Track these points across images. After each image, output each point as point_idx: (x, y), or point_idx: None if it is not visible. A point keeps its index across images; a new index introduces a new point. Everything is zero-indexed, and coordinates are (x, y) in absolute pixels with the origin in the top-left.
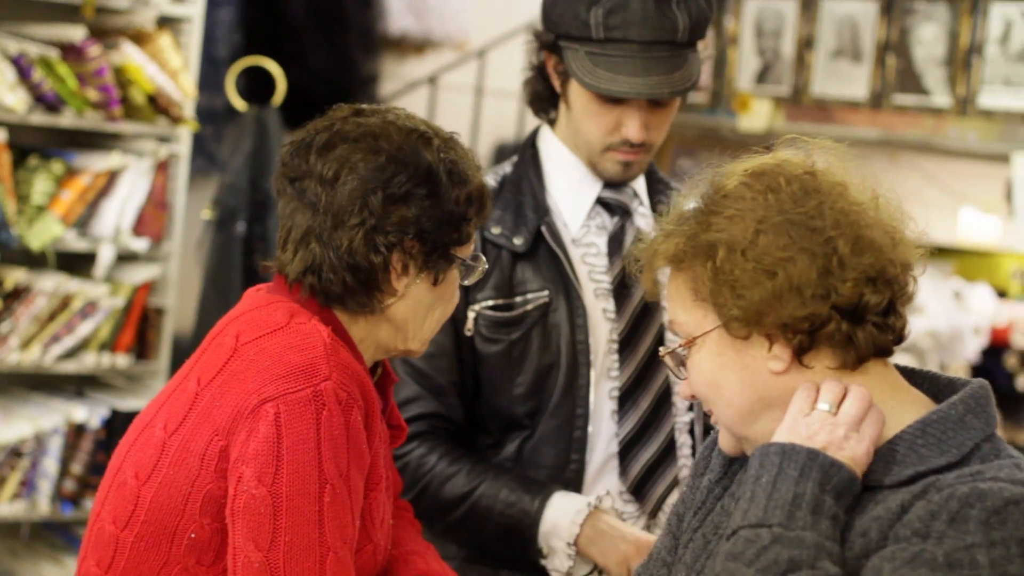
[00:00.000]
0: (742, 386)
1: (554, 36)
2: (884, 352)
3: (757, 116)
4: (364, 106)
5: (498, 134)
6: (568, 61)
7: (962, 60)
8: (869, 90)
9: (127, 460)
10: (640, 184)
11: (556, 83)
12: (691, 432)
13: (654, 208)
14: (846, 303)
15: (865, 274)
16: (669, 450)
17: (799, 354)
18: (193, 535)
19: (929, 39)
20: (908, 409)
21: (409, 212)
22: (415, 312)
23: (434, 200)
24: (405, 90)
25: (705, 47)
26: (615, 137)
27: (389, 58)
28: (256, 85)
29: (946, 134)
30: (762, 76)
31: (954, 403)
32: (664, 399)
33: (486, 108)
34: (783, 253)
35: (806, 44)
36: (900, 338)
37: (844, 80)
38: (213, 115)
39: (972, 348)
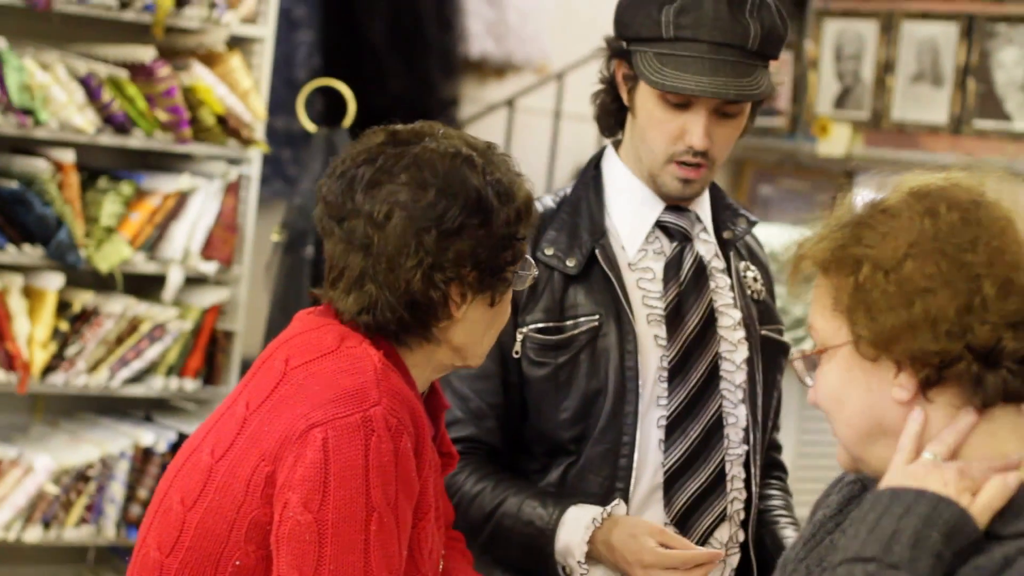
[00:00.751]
0: (863, 407)
1: (625, 41)
2: (1016, 398)
3: (836, 141)
4: (399, 128)
5: (576, 158)
6: (636, 63)
7: None
8: (949, 115)
9: (174, 485)
10: (704, 209)
11: (624, 92)
12: (746, 465)
13: (719, 234)
14: (981, 345)
15: (1007, 319)
16: (718, 482)
17: (924, 387)
18: (238, 562)
19: (1010, 63)
20: None
21: (465, 245)
22: (473, 333)
23: (487, 227)
24: (483, 113)
25: (777, 70)
26: (679, 145)
27: (469, 81)
28: (335, 108)
29: None
30: (841, 100)
31: None
32: (715, 430)
33: (564, 131)
34: (926, 283)
35: (886, 68)
36: None
37: (924, 104)
38: (292, 138)
39: None
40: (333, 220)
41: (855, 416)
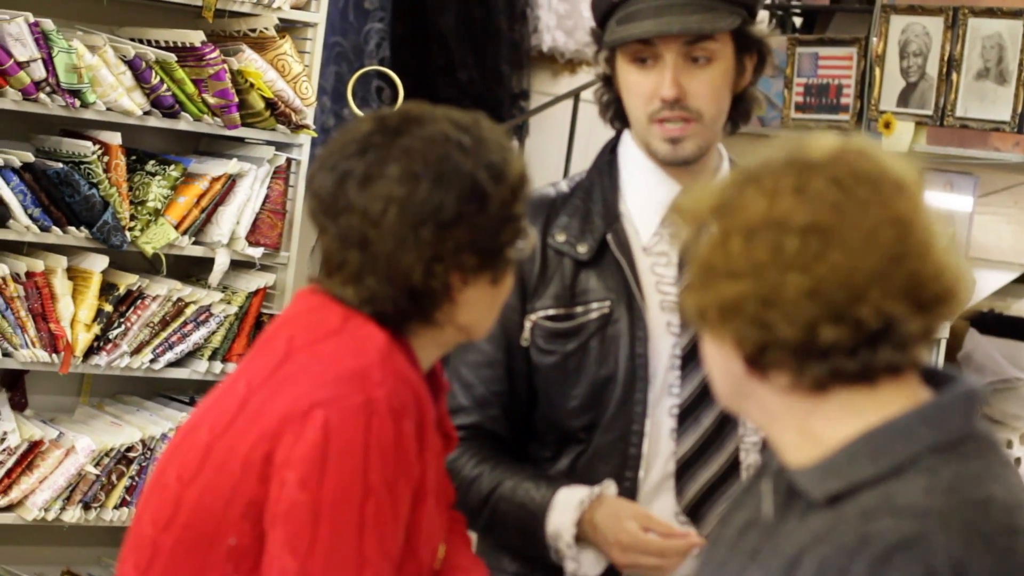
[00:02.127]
0: (719, 373)
1: (599, 24)
2: (857, 379)
3: (900, 138)
4: (386, 114)
5: None
6: (604, 38)
7: None
8: (1012, 112)
9: (171, 462)
10: None
11: (612, 74)
12: (762, 451)
13: None
14: (788, 341)
15: (820, 316)
16: (732, 471)
17: (750, 366)
18: (233, 541)
19: None
20: None
21: (463, 233)
22: (477, 312)
23: (484, 212)
24: (548, 104)
25: (767, 30)
26: (654, 103)
27: (540, 74)
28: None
29: None
30: (905, 97)
31: (912, 411)
32: (729, 418)
33: None
34: (738, 265)
35: (951, 64)
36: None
37: (988, 102)
38: None
39: None
40: (327, 216)
41: (717, 380)
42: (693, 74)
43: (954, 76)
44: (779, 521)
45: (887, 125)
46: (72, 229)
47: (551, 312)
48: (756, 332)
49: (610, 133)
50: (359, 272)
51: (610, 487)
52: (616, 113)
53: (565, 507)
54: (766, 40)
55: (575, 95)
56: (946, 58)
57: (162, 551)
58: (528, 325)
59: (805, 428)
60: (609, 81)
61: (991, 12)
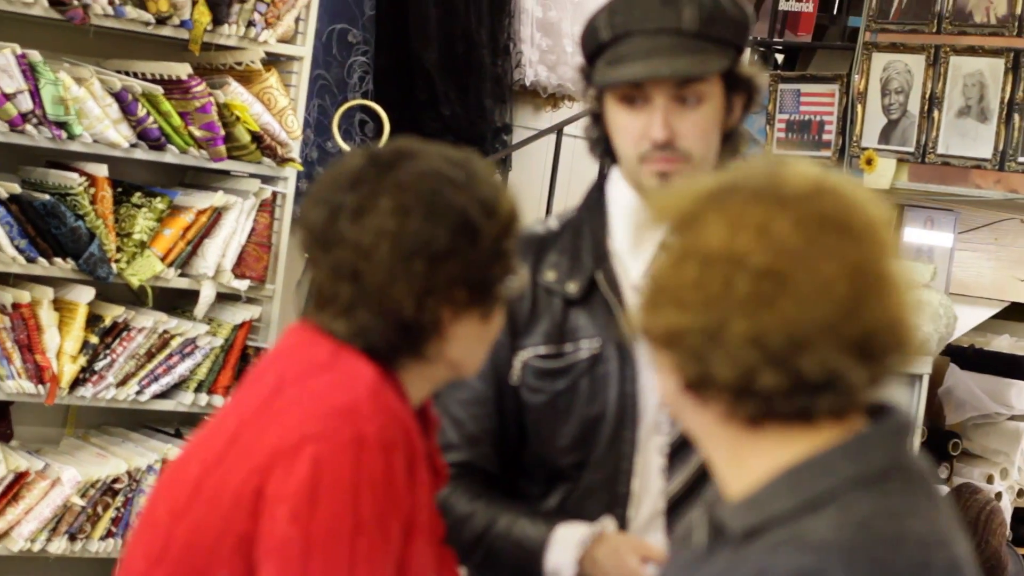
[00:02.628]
0: (663, 389)
1: (588, 63)
2: (793, 418)
3: (881, 174)
4: (377, 148)
5: None
6: (594, 77)
7: None
8: (994, 150)
9: (161, 497)
10: None
11: (601, 113)
12: None
13: None
14: (725, 380)
15: (761, 360)
16: None
17: (688, 390)
18: (224, 575)
19: None
20: None
21: (454, 267)
22: (467, 348)
23: (475, 247)
24: (531, 139)
25: (749, 61)
26: (643, 144)
27: (522, 108)
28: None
29: None
30: (887, 134)
31: (835, 445)
32: None
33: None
34: (684, 294)
35: (932, 102)
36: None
37: (969, 139)
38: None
39: None
40: (319, 249)
41: (659, 387)
42: (683, 115)
43: (935, 113)
44: (708, 553)
45: (869, 162)
46: (58, 260)
47: (541, 351)
48: (694, 365)
49: (592, 168)
50: (350, 305)
51: (609, 524)
52: (605, 150)
53: (565, 545)
54: (754, 79)
55: (558, 130)
56: (928, 96)
57: None
58: (518, 364)
59: (737, 458)
60: (597, 117)
61: (972, 50)
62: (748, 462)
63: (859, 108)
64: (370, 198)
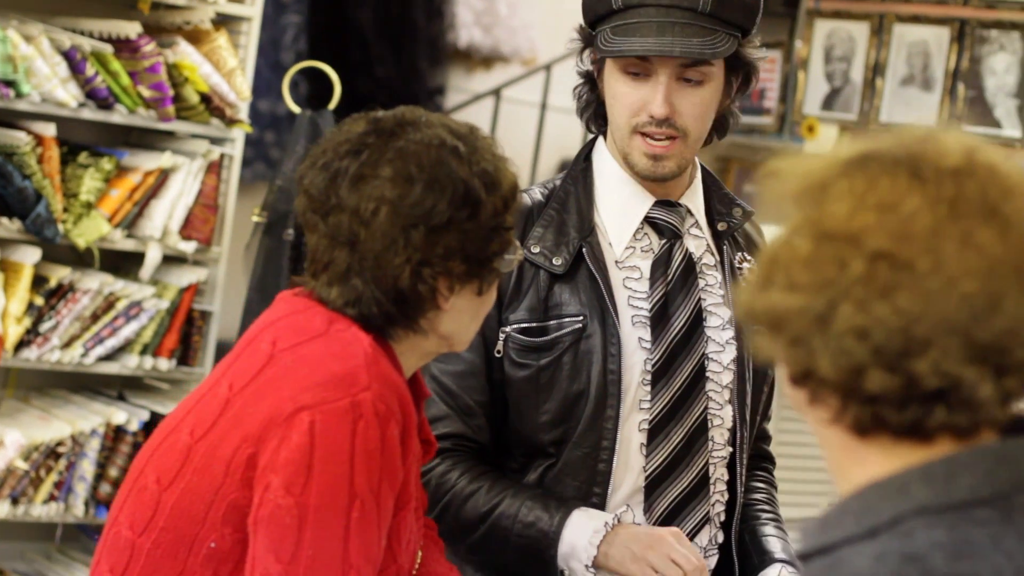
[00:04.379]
0: (785, 387)
1: (590, 26)
2: (903, 432)
3: (823, 142)
4: (381, 115)
5: (562, 150)
6: (597, 43)
7: None
8: (938, 119)
9: (150, 464)
10: (696, 201)
11: (597, 77)
12: (731, 466)
13: (714, 227)
14: (827, 376)
15: (871, 358)
16: (701, 486)
17: (796, 386)
18: (213, 544)
19: (1001, 69)
20: None
21: (453, 239)
22: (461, 322)
23: (475, 219)
24: (469, 102)
25: (756, 45)
26: (641, 116)
27: (456, 70)
28: (320, 91)
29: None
30: (830, 101)
31: (916, 466)
32: (699, 433)
33: (550, 123)
34: (798, 275)
35: (876, 70)
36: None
37: (913, 108)
38: (276, 120)
39: None
40: (317, 214)
41: (781, 384)
42: (684, 94)
43: (879, 82)
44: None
45: (811, 129)
46: (4, 220)
47: (524, 325)
48: (800, 356)
49: (530, 132)
50: (346, 272)
51: (627, 514)
52: (595, 115)
53: (582, 529)
54: (755, 64)
55: (496, 93)
56: (871, 64)
57: (140, 554)
58: (502, 336)
59: (843, 466)
60: (593, 83)
61: (917, 19)
62: (851, 472)
63: (801, 75)
64: (371, 165)
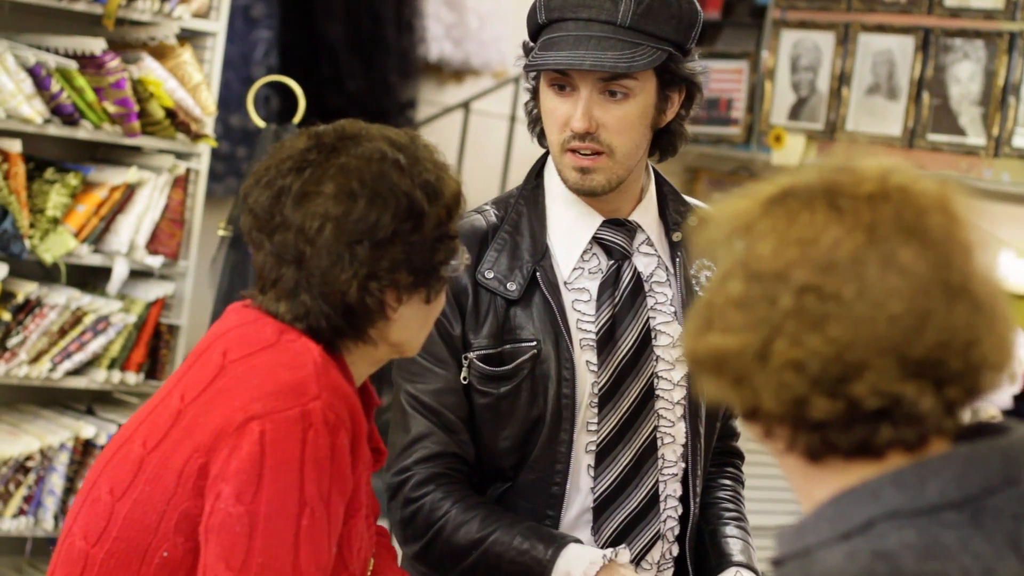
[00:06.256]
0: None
1: (532, 39)
2: (856, 453)
3: (790, 151)
4: (322, 130)
5: (532, 162)
6: (527, 60)
7: (998, 100)
8: (903, 128)
9: (103, 475)
10: (647, 217)
11: (534, 94)
12: (684, 480)
13: (669, 233)
14: (770, 410)
15: (811, 386)
16: (651, 505)
17: (747, 419)
18: (165, 554)
19: (965, 77)
20: None
21: (398, 252)
22: (410, 330)
23: (419, 231)
24: (440, 115)
25: (693, 56)
26: (566, 131)
27: (427, 83)
28: (291, 106)
29: (980, 175)
30: (796, 111)
31: (889, 472)
32: (648, 453)
33: (520, 135)
34: (733, 315)
35: (841, 79)
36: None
37: (879, 117)
38: (247, 135)
39: (1006, 394)
40: (263, 233)
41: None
42: (607, 108)
43: (844, 91)
44: None
45: (778, 139)
46: None
47: (485, 352)
48: (744, 395)
49: (500, 145)
50: (294, 288)
51: (624, 554)
52: (542, 131)
53: (577, 562)
54: (694, 77)
55: (465, 106)
56: (837, 73)
57: (93, 564)
58: (465, 362)
59: (806, 490)
60: (537, 97)
61: (882, 28)
62: (814, 494)
63: (768, 85)
64: (314, 182)
